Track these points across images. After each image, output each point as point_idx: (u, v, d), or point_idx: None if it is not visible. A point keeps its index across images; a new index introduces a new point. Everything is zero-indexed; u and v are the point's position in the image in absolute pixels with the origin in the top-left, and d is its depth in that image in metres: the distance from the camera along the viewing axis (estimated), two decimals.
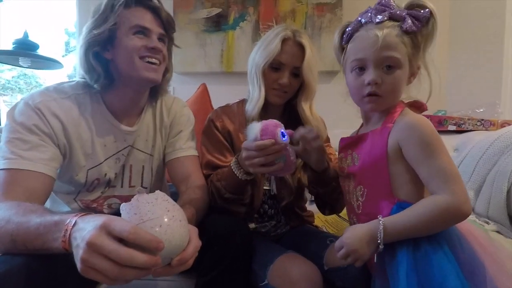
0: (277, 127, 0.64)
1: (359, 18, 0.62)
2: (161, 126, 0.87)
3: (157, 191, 0.49)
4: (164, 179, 0.99)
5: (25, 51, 1.66)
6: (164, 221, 0.45)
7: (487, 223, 0.96)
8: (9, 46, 1.68)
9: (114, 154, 0.81)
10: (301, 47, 0.82)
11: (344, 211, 0.84)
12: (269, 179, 0.88)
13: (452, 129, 1.38)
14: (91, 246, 0.41)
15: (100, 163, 0.78)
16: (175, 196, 0.81)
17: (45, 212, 0.53)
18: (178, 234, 0.46)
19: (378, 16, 0.59)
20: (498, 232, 0.93)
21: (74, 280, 0.48)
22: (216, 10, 1.76)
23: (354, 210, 0.65)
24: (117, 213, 0.48)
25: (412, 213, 0.53)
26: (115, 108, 0.78)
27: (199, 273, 0.70)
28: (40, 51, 1.71)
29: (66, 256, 0.45)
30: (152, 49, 0.73)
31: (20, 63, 1.76)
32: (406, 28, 0.58)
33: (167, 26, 0.78)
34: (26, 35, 1.70)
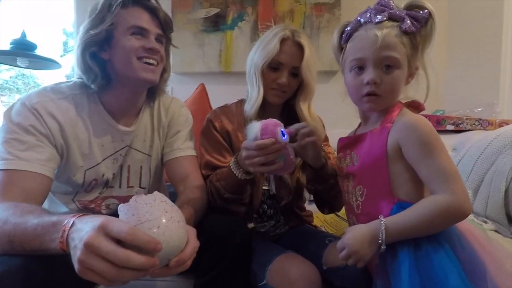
0: (277, 126, 0.65)
1: (358, 18, 0.63)
2: (159, 126, 0.87)
3: (155, 192, 0.49)
4: (163, 179, 0.99)
5: (22, 51, 1.65)
6: (162, 222, 0.45)
7: (485, 222, 0.96)
8: (6, 46, 1.67)
9: (111, 155, 0.80)
10: (300, 47, 0.82)
11: (343, 210, 0.85)
12: (268, 179, 0.88)
13: (451, 129, 1.38)
14: (89, 247, 0.41)
15: (98, 164, 0.78)
16: (173, 196, 0.81)
17: (42, 213, 0.52)
18: (176, 235, 0.46)
19: (378, 16, 0.59)
20: (496, 231, 0.93)
21: (71, 281, 0.48)
22: (214, 10, 1.75)
23: (353, 210, 0.65)
24: (115, 214, 0.47)
25: (412, 213, 0.53)
26: (112, 108, 0.78)
27: (198, 273, 0.70)
28: (38, 51, 1.71)
29: (64, 257, 0.45)
30: (149, 49, 0.73)
31: (18, 63, 1.75)
32: (405, 28, 0.58)
33: (165, 26, 0.78)
34: (23, 35, 1.69)
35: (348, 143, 0.68)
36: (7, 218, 0.52)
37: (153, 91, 0.84)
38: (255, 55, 0.84)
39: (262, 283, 0.69)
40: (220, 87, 1.66)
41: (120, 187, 0.85)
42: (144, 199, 0.47)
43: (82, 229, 0.43)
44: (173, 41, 0.84)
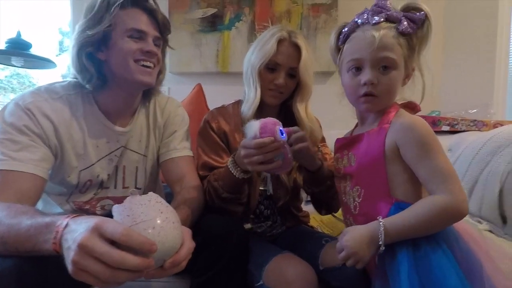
0: (275, 125, 0.65)
1: (356, 19, 0.63)
2: (155, 126, 0.86)
3: (150, 193, 0.49)
4: (159, 179, 0.98)
5: (18, 51, 1.64)
6: (157, 223, 0.45)
7: (480, 222, 0.97)
8: (1, 46, 1.66)
9: (106, 155, 0.80)
10: (297, 48, 0.82)
11: (340, 211, 0.85)
12: (265, 180, 0.88)
13: (446, 130, 1.39)
14: (83, 248, 0.40)
15: (92, 164, 0.78)
16: (169, 197, 0.80)
17: (36, 214, 0.52)
18: (171, 236, 0.46)
19: (375, 17, 0.60)
20: (490, 231, 0.94)
21: (65, 283, 0.47)
22: (211, 10, 1.75)
23: (350, 210, 0.65)
24: (110, 215, 0.47)
25: (411, 213, 0.53)
26: (107, 108, 0.78)
27: (194, 274, 0.70)
28: (34, 51, 1.69)
29: (58, 258, 0.45)
30: (147, 52, 0.73)
31: (13, 62, 1.73)
32: (402, 29, 0.58)
33: (163, 28, 0.78)
34: (19, 34, 1.68)
35: (345, 144, 0.68)
36: (0, 219, 0.51)
37: (148, 91, 0.83)
38: (252, 55, 0.84)
39: (258, 284, 0.69)
40: (217, 87, 1.66)
41: (115, 188, 0.84)
42: (139, 199, 0.47)
43: (76, 230, 0.43)
44: (170, 41, 0.84)
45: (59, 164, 0.74)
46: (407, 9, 0.61)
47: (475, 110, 1.45)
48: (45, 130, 0.69)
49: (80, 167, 0.76)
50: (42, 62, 1.75)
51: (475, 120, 1.36)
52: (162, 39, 0.79)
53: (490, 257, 0.54)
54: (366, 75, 0.59)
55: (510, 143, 0.98)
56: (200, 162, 0.87)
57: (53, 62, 1.78)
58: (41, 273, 0.51)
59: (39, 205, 0.78)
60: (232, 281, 0.69)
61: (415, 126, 0.57)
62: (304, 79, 0.82)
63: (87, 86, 0.73)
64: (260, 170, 0.73)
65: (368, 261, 0.55)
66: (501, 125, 1.27)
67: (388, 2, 0.61)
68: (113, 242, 0.42)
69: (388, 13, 0.60)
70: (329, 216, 1.11)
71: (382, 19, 0.59)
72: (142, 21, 0.73)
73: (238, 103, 0.91)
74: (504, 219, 0.94)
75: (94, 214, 0.83)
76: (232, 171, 0.73)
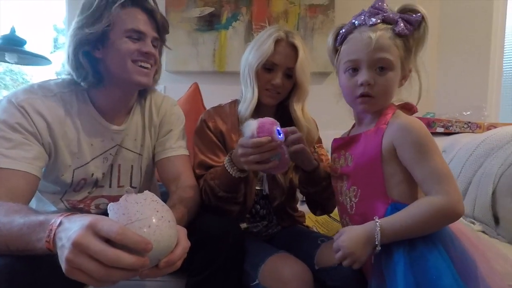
0: (273, 125, 0.65)
1: (353, 21, 0.63)
2: (150, 125, 0.86)
3: (146, 191, 0.49)
4: (154, 178, 0.98)
5: (12, 47, 1.61)
6: (153, 222, 0.44)
7: (473, 223, 0.98)
8: None
9: (101, 154, 0.79)
10: (294, 48, 0.82)
11: (335, 211, 0.85)
12: (261, 180, 0.88)
13: (440, 131, 1.40)
14: (77, 246, 0.40)
15: (87, 163, 0.77)
16: (165, 196, 0.80)
17: (29, 212, 0.51)
18: (167, 235, 0.45)
19: (372, 19, 0.60)
20: (483, 232, 0.95)
21: (58, 282, 0.47)
22: (208, 9, 1.75)
23: (346, 210, 0.66)
24: (105, 214, 0.46)
25: (407, 214, 0.54)
26: (102, 106, 0.77)
27: (190, 273, 0.69)
28: (28, 47, 1.67)
29: (51, 257, 0.44)
30: (145, 53, 0.72)
31: (7, 59, 1.71)
32: (399, 31, 0.59)
33: (162, 29, 0.77)
34: (13, 30, 1.65)
35: (343, 144, 0.69)
36: None
37: (144, 90, 0.83)
38: (249, 55, 0.84)
39: (254, 283, 0.69)
40: (213, 87, 1.65)
41: (110, 186, 0.83)
42: (134, 198, 0.46)
43: (70, 228, 0.42)
44: (166, 40, 0.83)
45: (53, 163, 0.73)
46: (403, 10, 0.61)
47: (469, 112, 1.47)
48: (38, 128, 0.68)
49: (74, 165, 0.75)
50: (36, 59, 1.73)
51: (469, 122, 1.38)
52: (160, 40, 0.78)
53: (485, 258, 0.55)
54: (362, 76, 0.60)
55: (503, 145, 0.99)
56: (196, 161, 0.86)
57: (48, 59, 1.76)
58: (33, 272, 0.50)
59: (33, 204, 0.77)
60: (228, 281, 0.69)
61: (412, 127, 0.57)
62: (301, 79, 0.82)
63: (82, 84, 0.72)
64: (256, 170, 0.73)
65: (364, 261, 0.55)
66: (495, 127, 1.29)
67: (385, 4, 0.62)
68: (107, 241, 0.41)
69: (384, 14, 0.60)
70: (325, 216, 1.12)
71: (379, 21, 0.60)
72: (141, 22, 0.72)
73: (235, 102, 0.91)
74: (496, 220, 0.95)
75: (89, 213, 0.82)
76: (229, 170, 0.73)
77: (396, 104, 0.65)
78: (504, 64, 1.67)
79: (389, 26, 0.60)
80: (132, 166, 0.85)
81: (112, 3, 0.68)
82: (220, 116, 0.88)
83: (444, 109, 1.54)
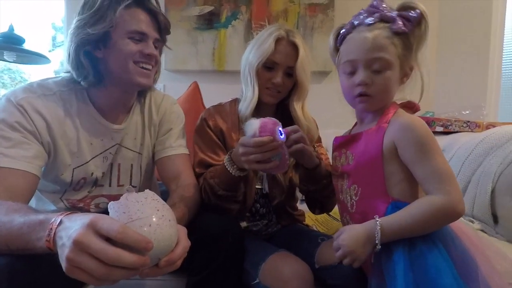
0: (276, 125, 0.65)
1: (352, 20, 0.64)
2: (150, 124, 0.86)
3: (147, 190, 0.49)
4: (154, 177, 0.98)
5: (10, 45, 1.61)
6: (153, 221, 0.44)
7: (472, 222, 0.99)
8: None
9: (101, 153, 0.79)
10: (295, 47, 0.82)
11: (335, 210, 0.85)
12: (261, 178, 0.88)
13: (440, 130, 1.40)
14: (78, 245, 0.40)
15: (86, 162, 0.77)
16: (165, 195, 0.80)
17: (29, 211, 0.51)
18: (167, 234, 0.45)
19: (369, 18, 0.60)
20: (482, 230, 0.95)
21: (58, 281, 0.47)
22: (208, 8, 1.74)
23: (347, 209, 0.66)
24: (105, 213, 0.46)
25: (407, 213, 0.54)
26: (102, 106, 0.77)
27: (190, 272, 0.69)
28: (26, 45, 1.66)
29: (51, 256, 0.44)
30: (147, 55, 0.72)
31: (5, 57, 1.70)
32: (396, 29, 0.59)
33: (163, 31, 0.77)
34: (11, 28, 1.65)
35: (344, 142, 0.69)
36: None
37: (144, 89, 0.83)
38: (250, 54, 0.84)
39: (255, 282, 0.69)
40: (213, 86, 1.65)
41: (110, 185, 0.83)
42: (135, 196, 0.46)
43: (71, 227, 0.42)
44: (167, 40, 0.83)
45: (52, 162, 0.73)
46: (402, 8, 0.61)
47: (468, 112, 1.47)
48: (37, 127, 0.67)
49: (74, 164, 0.75)
50: (35, 57, 1.72)
51: (468, 121, 1.38)
52: (162, 41, 0.78)
53: (486, 257, 0.55)
54: (359, 76, 0.60)
55: (502, 144, 1.00)
56: (196, 159, 0.86)
57: (47, 58, 1.75)
58: (33, 272, 0.50)
59: (32, 203, 0.77)
60: (228, 280, 0.69)
61: (414, 126, 0.57)
62: (301, 78, 0.82)
63: (82, 83, 0.72)
64: (256, 169, 0.73)
65: (364, 260, 0.55)
66: (494, 126, 1.29)
67: (383, 2, 0.62)
68: (108, 239, 0.41)
69: (382, 13, 0.60)
70: (324, 214, 1.12)
71: (376, 20, 0.60)
72: (143, 23, 0.72)
73: (235, 101, 0.91)
74: (495, 219, 0.95)
75: (88, 212, 0.82)
76: (229, 169, 0.73)
77: (399, 102, 0.65)
78: (503, 64, 1.67)
79: (387, 25, 0.60)
80: (132, 165, 0.85)
81: (115, 4, 0.68)
82: (221, 114, 0.88)
83: (443, 108, 1.55)
